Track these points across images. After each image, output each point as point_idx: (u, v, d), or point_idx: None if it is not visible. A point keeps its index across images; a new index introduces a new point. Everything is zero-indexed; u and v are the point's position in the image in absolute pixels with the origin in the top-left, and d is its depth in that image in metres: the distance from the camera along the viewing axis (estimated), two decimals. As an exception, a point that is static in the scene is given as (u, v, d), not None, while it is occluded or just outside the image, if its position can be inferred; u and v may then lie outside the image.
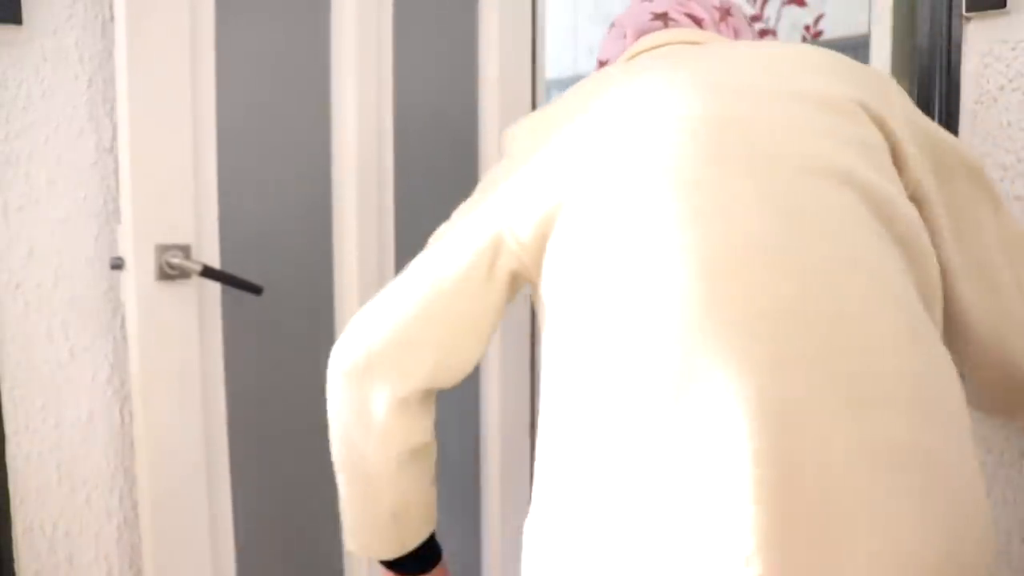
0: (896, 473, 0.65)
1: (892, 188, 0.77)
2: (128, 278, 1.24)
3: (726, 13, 1.01)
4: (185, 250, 1.26)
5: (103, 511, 1.29)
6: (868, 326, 0.69)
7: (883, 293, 0.71)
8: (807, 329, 0.68)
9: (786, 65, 0.82)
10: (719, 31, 1.00)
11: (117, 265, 1.25)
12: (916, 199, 0.84)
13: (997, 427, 1.04)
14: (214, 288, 1.32)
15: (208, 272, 1.27)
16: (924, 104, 1.11)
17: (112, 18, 1.25)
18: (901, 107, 0.84)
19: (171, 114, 1.24)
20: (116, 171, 1.27)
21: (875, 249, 0.74)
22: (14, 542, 1.21)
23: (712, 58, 0.84)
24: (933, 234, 0.85)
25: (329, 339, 1.48)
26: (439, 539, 1.04)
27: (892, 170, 0.80)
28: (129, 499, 1.32)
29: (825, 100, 0.80)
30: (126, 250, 1.24)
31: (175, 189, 1.25)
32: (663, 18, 0.98)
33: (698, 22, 0.99)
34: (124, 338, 1.29)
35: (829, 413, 0.66)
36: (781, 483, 0.63)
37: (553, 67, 2.73)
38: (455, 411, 1.69)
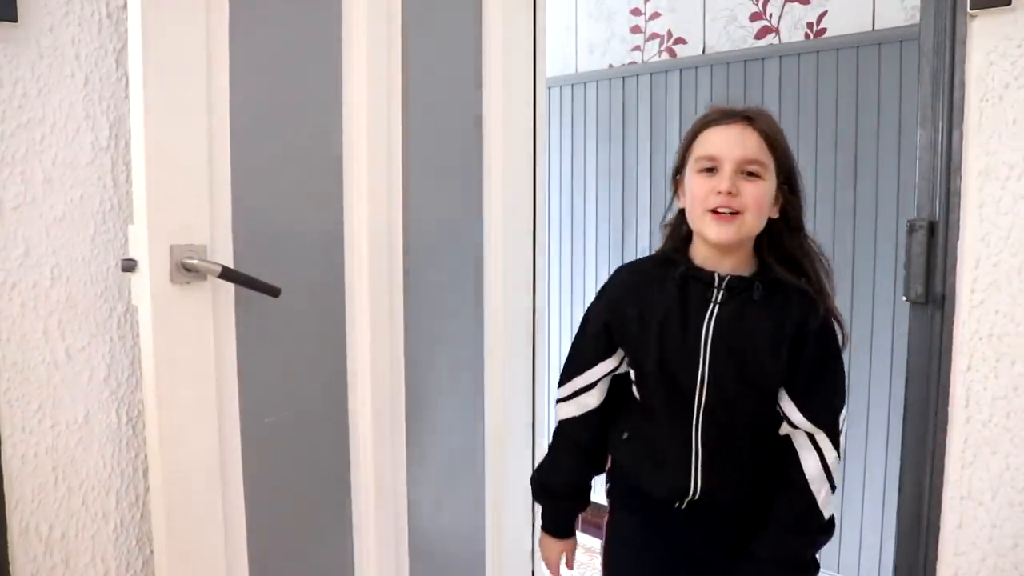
0: None
1: None
2: (141, 280, 1.21)
3: None
4: (200, 251, 1.24)
5: (100, 513, 1.29)
6: None
7: None
8: None
9: None
10: None
11: (128, 267, 1.22)
12: None
13: (1003, 430, 1.03)
14: (228, 289, 1.30)
15: (227, 274, 1.25)
16: (929, 101, 1.10)
17: (109, 15, 1.24)
18: None
19: (185, 114, 1.22)
20: (112, 170, 1.27)
21: None
22: (10, 544, 1.20)
23: None
24: None
25: (340, 338, 1.47)
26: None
27: None
28: (126, 501, 1.31)
29: None
30: (139, 251, 1.21)
31: (190, 189, 1.23)
32: None
33: None
34: (121, 338, 1.29)
35: None
36: None
37: (553, 66, 2.72)
38: (460, 410, 1.68)
